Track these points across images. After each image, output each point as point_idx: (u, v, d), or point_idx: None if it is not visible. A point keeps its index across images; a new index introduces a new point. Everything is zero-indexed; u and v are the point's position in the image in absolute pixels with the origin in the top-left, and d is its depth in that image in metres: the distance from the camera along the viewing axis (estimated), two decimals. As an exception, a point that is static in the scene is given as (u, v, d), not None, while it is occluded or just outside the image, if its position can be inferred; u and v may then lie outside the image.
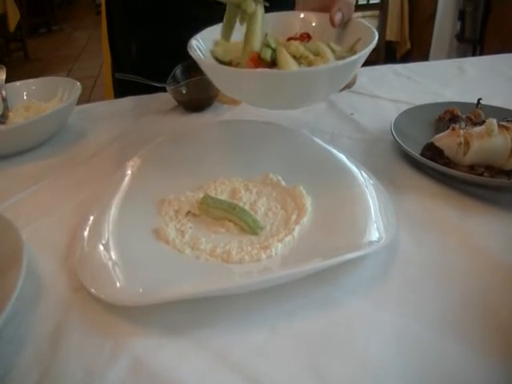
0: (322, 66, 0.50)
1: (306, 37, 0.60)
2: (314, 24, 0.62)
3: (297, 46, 0.54)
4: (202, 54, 0.56)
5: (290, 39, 0.59)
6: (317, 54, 0.54)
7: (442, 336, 0.38)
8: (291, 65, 0.51)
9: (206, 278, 0.43)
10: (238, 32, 0.57)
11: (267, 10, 0.57)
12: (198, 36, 0.58)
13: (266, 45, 0.53)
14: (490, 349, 0.37)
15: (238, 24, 0.56)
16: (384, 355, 0.37)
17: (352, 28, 0.58)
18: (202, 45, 0.57)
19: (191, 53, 0.53)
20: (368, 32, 0.54)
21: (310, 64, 0.53)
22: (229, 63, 0.57)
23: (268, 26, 0.58)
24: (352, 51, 0.55)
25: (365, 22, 0.58)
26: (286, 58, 0.52)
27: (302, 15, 0.63)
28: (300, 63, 0.53)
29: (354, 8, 0.58)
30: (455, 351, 0.37)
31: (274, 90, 0.50)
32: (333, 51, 0.55)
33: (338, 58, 0.54)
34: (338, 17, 0.56)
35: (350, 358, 0.37)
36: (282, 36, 0.58)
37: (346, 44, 0.57)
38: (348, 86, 0.56)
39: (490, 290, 0.42)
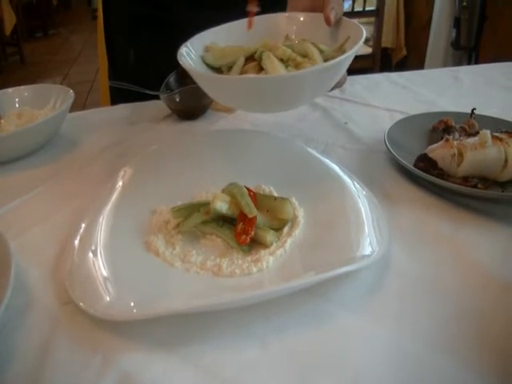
0: (305, 69, 0.50)
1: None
2: (302, 23, 0.63)
3: (284, 49, 0.55)
4: (193, 61, 0.56)
5: None
6: (305, 55, 0.55)
7: (435, 351, 0.38)
8: (278, 69, 0.52)
9: (196, 293, 0.42)
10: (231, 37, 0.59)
11: (261, 11, 0.58)
12: (188, 43, 0.57)
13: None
14: (483, 364, 0.36)
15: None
16: (376, 371, 0.36)
17: (342, 26, 0.59)
18: (192, 51, 0.57)
19: (181, 61, 0.53)
20: (356, 30, 0.54)
21: (297, 66, 0.53)
22: (219, 69, 0.58)
23: (258, 28, 0.60)
24: (341, 50, 0.55)
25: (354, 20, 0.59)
26: (272, 62, 0.53)
27: (287, 15, 0.64)
28: (287, 66, 0.54)
29: (343, 6, 0.60)
30: (448, 366, 0.36)
31: (261, 95, 0.50)
32: (321, 52, 0.56)
33: (326, 58, 0.55)
34: (332, 15, 0.56)
35: (341, 373, 0.36)
36: (271, 38, 0.59)
37: (337, 42, 0.58)
38: (338, 85, 0.56)
39: (484, 304, 0.42)
